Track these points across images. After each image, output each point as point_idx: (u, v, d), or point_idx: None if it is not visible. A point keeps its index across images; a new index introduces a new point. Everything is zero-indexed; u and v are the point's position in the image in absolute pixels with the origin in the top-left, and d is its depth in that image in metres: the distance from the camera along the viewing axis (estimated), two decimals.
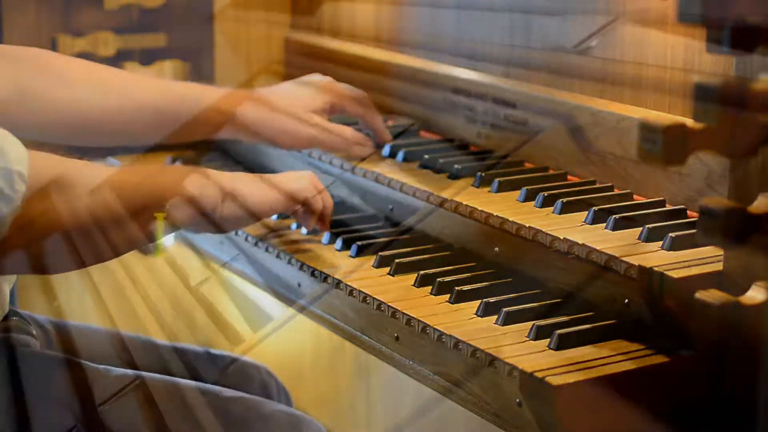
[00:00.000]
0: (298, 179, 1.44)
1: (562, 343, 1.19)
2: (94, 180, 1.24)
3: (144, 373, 1.44)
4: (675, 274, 1.19)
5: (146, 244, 1.31)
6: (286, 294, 1.54)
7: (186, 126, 1.60)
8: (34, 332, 1.49)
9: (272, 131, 1.62)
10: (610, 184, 1.50)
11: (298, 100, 1.66)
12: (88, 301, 2.06)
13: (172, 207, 1.28)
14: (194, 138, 1.70)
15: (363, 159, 1.65)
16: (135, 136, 1.65)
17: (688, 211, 1.38)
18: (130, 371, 1.46)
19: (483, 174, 1.54)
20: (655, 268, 1.21)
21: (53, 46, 2.12)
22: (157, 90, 1.60)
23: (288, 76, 1.96)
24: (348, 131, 1.65)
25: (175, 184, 1.30)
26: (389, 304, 1.33)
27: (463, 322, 1.27)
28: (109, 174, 1.27)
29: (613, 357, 1.17)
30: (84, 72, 1.59)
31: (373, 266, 1.45)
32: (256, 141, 1.68)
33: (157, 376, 1.45)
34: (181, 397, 1.41)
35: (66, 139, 1.57)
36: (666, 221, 1.34)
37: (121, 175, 1.30)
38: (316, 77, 1.74)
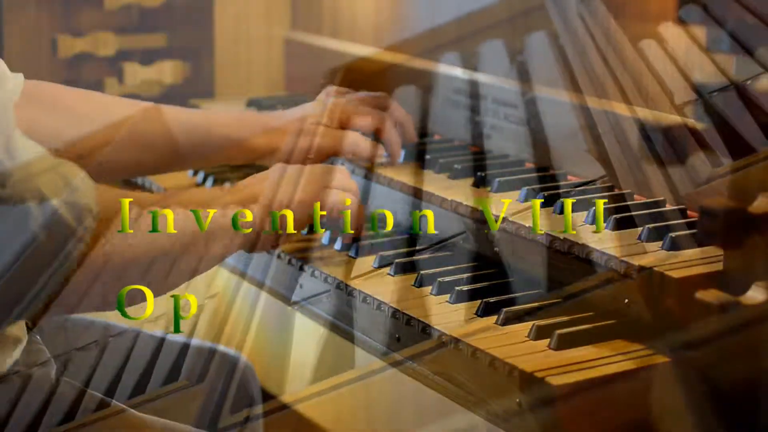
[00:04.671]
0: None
1: (562, 343, 1.19)
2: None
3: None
4: (675, 274, 1.19)
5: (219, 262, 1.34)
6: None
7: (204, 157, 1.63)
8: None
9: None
10: (610, 184, 1.50)
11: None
12: None
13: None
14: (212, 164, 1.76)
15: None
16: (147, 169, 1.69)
17: (688, 211, 1.38)
18: None
19: (483, 174, 1.54)
20: (655, 268, 1.21)
21: (53, 46, 2.12)
22: (174, 120, 1.61)
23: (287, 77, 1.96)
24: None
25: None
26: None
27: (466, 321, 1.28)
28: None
29: (613, 357, 1.17)
30: (92, 107, 1.59)
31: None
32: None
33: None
34: None
35: None
36: (666, 221, 1.34)
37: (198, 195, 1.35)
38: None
